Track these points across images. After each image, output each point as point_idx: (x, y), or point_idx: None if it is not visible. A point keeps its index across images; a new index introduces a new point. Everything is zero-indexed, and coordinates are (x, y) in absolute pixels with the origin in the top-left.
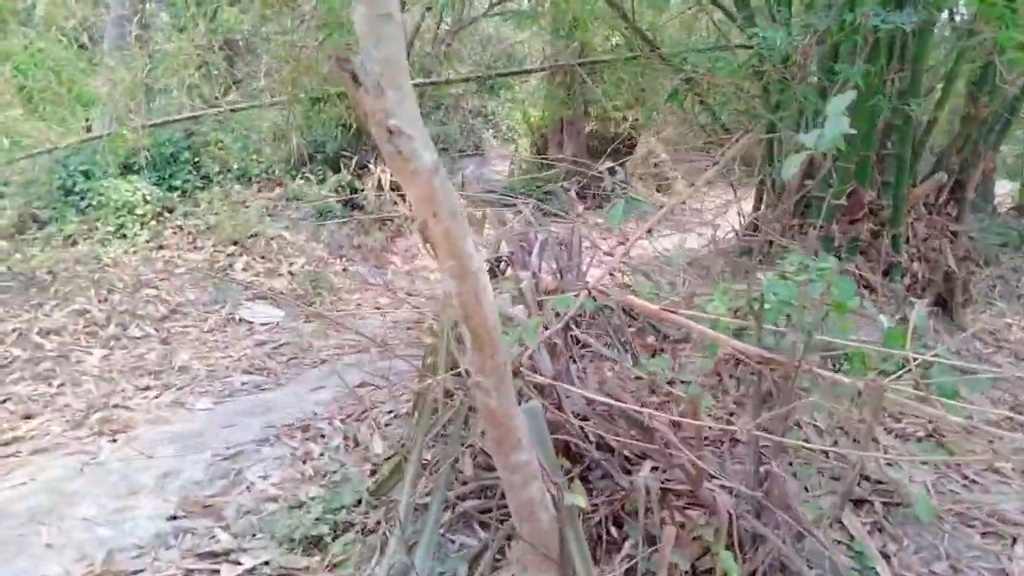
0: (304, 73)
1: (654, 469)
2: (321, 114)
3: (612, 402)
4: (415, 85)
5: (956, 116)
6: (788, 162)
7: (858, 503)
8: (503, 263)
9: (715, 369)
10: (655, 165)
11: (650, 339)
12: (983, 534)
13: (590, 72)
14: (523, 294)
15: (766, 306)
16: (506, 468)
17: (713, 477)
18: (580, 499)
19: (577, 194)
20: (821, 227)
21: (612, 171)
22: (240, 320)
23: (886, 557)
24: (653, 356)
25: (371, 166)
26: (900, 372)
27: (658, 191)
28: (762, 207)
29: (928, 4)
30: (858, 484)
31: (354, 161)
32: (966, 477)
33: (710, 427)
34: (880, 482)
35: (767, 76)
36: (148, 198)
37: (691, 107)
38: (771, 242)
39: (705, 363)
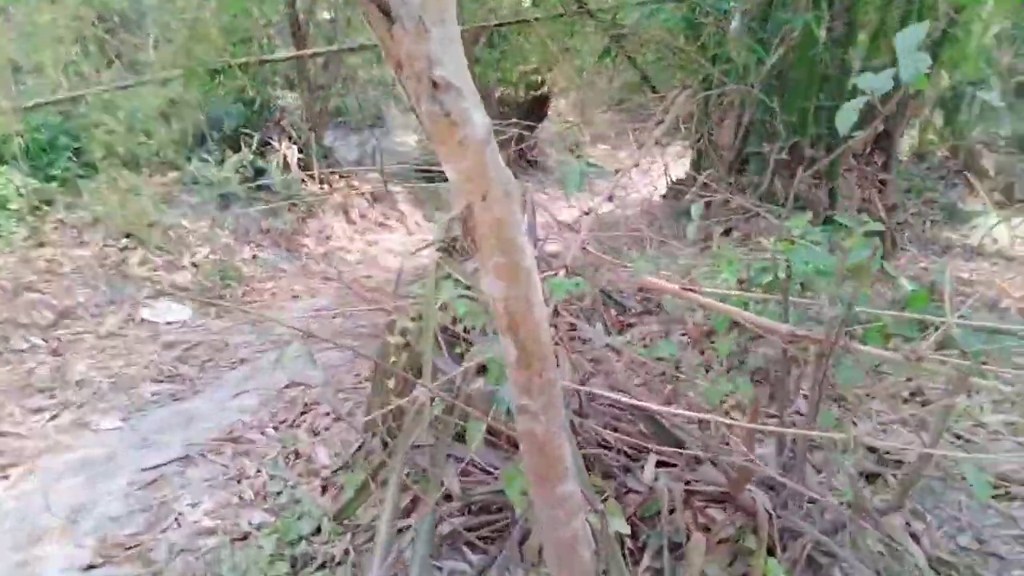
0: (199, 42)
1: (659, 465)
2: (220, 87)
3: (643, 405)
4: (311, 56)
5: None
6: (843, 113)
7: (869, 477)
8: (457, 244)
9: (695, 341)
10: (566, 128)
11: (612, 312)
12: (993, 496)
13: (506, 35)
14: None
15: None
16: (549, 501)
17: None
18: (622, 524)
19: None
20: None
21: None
22: (142, 321)
23: (914, 538)
24: (621, 332)
25: (274, 143)
26: (932, 337)
27: (571, 153)
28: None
29: None
30: (864, 457)
31: (256, 138)
32: (959, 437)
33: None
34: (887, 453)
35: (706, 30)
36: (22, 191)
37: (617, 66)
38: (710, 202)
39: (727, 346)
